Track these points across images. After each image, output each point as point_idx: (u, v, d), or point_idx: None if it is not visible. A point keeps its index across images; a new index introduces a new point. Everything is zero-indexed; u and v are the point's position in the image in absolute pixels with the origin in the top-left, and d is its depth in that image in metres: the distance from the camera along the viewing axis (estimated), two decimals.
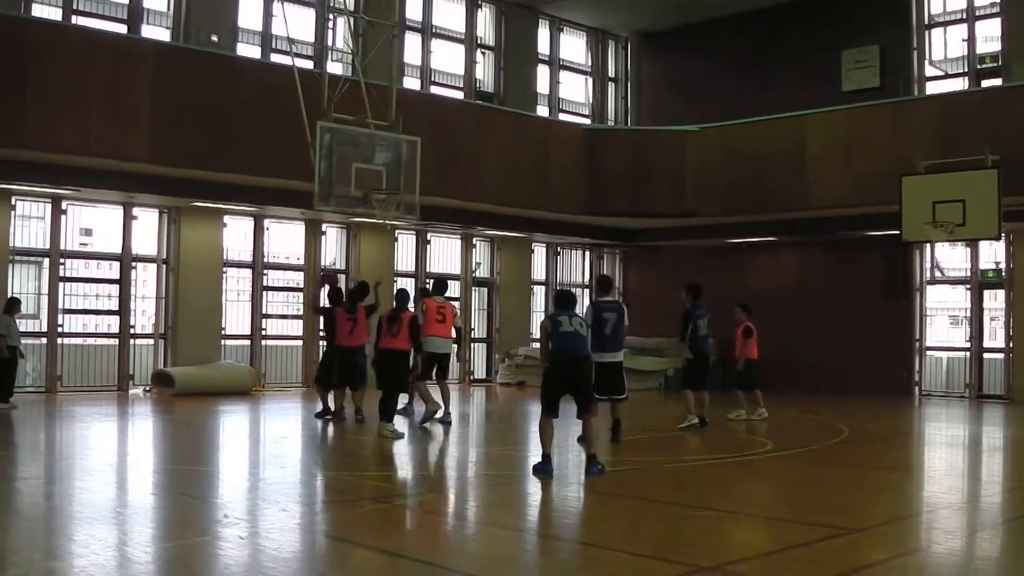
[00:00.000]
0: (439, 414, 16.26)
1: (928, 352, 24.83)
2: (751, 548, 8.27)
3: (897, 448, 15.90)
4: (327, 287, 18.11)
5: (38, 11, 19.55)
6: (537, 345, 19.89)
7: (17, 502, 9.50)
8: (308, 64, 21.76)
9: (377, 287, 17.09)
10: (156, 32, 21.14)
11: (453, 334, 17.05)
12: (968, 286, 24.19)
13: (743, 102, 25.41)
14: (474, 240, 26.77)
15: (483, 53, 27.04)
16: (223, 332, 22.13)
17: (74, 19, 19.96)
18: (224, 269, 22.39)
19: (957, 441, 17.23)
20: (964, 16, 24.58)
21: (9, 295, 18.50)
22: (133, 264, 21.35)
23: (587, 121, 28.86)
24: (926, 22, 25.15)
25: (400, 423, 15.42)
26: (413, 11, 25.27)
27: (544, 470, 11.14)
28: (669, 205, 25.00)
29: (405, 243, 25.32)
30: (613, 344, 13.66)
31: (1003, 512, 10.18)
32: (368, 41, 20.96)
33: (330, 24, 21.33)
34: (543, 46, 28.35)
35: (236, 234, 22.89)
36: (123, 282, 21.16)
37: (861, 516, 9.44)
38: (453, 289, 26.12)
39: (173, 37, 21.16)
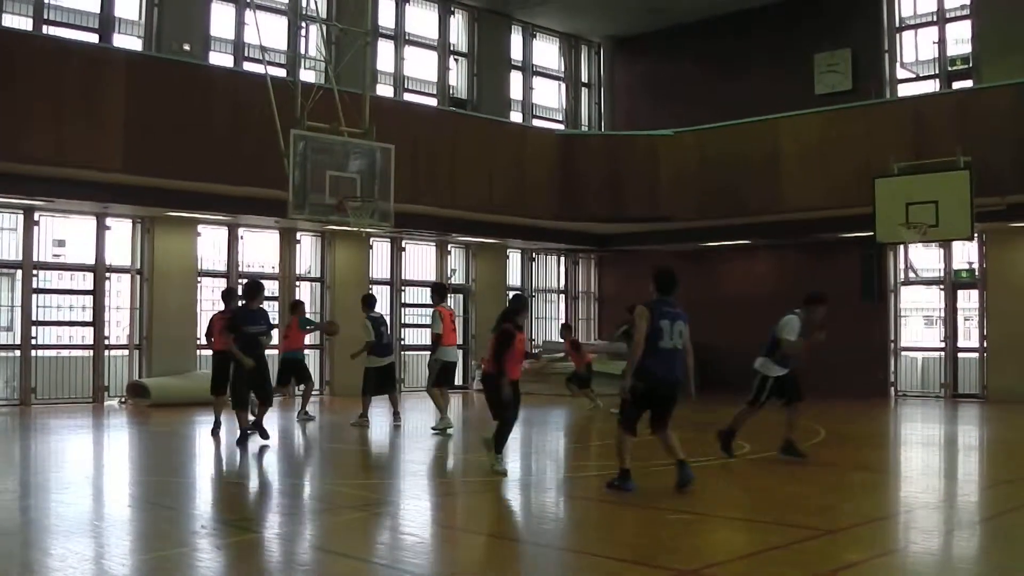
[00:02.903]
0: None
1: (903, 352, 24.95)
2: (730, 551, 8.29)
3: (873, 448, 15.97)
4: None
5: (8, 20, 19.45)
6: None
7: None
8: (281, 72, 21.73)
9: None
10: (128, 41, 21.06)
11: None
12: (942, 287, 24.32)
13: (716, 106, 25.52)
14: (449, 247, 26.75)
15: (456, 60, 27.05)
16: (198, 342, 22.01)
17: (45, 28, 19.87)
18: (198, 279, 22.30)
19: (933, 441, 17.31)
20: (935, 18, 24.74)
21: None
22: (107, 275, 21.24)
23: (561, 127, 28.92)
24: (897, 25, 25.30)
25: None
26: (386, 18, 25.27)
27: (625, 486, 10.41)
28: (643, 210, 25.04)
29: (380, 250, 25.29)
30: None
31: (979, 511, 10.24)
32: (341, 49, 20.96)
33: (302, 32, 21.29)
34: (516, 52, 28.39)
35: (210, 243, 22.81)
36: (97, 293, 21.05)
37: (838, 517, 9.48)
38: (427, 296, 26.12)
39: (145, 46, 21.09)
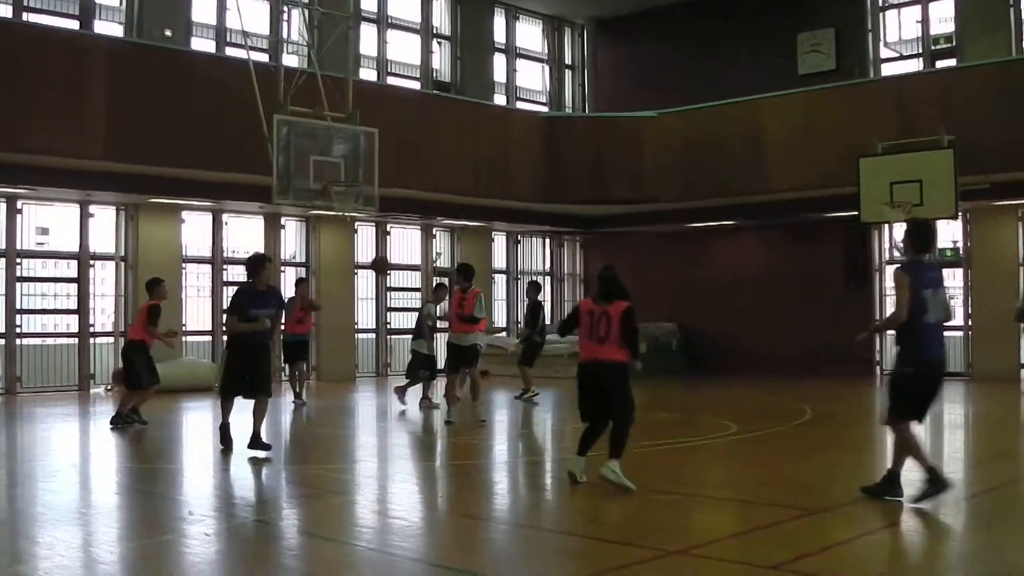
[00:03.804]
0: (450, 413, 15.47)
1: (888, 332, 24.95)
2: (718, 531, 8.31)
3: (860, 428, 16.00)
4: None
5: None
6: (499, 335, 19.86)
7: None
8: (263, 57, 21.62)
9: None
10: (109, 28, 20.96)
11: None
12: None
13: (700, 87, 25.46)
14: (434, 230, 26.72)
15: (439, 43, 26.98)
16: (183, 328, 21.95)
17: (25, 15, 19.75)
18: (183, 265, 22.24)
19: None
20: None
21: None
22: (91, 262, 21.17)
23: (545, 109, 28.86)
24: (880, 4, 25.30)
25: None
26: (368, 2, 25.16)
27: (894, 492, 8.89)
28: (628, 191, 25.02)
29: (365, 235, 25.25)
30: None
31: (965, 488, 10.27)
32: (323, 33, 20.87)
33: (284, 16, 21.20)
34: (499, 34, 28.32)
35: (195, 230, 22.73)
36: (81, 281, 20.98)
37: (826, 496, 9.51)
38: (414, 279, 26.20)
39: (127, 33, 20.98)
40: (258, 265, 12.59)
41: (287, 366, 19.03)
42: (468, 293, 15.79)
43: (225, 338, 12.85)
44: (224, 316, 12.93)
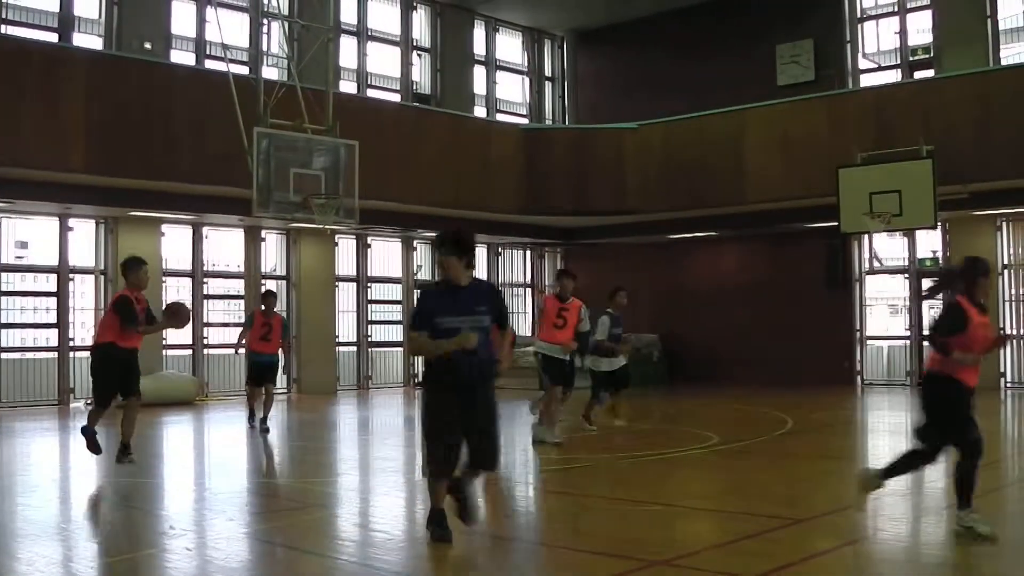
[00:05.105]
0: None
1: (869, 341, 25.09)
2: (700, 541, 8.31)
3: (841, 437, 16.05)
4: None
5: None
6: None
7: None
8: (243, 70, 21.60)
9: None
10: (88, 40, 20.91)
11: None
12: (906, 275, 24.48)
13: (680, 98, 25.52)
14: (415, 242, 26.70)
15: (419, 55, 26.99)
16: (164, 342, 21.86)
17: (3, 28, 19.69)
18: (163, 279, 22.14)
19: (899, 428, 17.39)
20: (896, 9, 24.86)
21: None
22: (70, 276, 21.08)
23: (525, 121, 28.89)
24: (858, 15, 25.44)
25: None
26: (348, 14, 25.17)
27: None
28: (609, 203, 25.07)
29: (345, 247, 25.22)
30: None
31: (946, 497, 10.29)
32: (303, 45, 20.87)
33: (264, 29, 21.18)
34: (479, 47, 28.36)
35: (175, 243, 22.65)
36: (61, 294, 20.88)
37: (807, 506, 9.53)
38: (394, 292, 26.13)
39: (106, 45, 20.93)
40: (461, 241, 8.21)
41: (249, 387, 16.99)
42: (570, 303, 14.33)
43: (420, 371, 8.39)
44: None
